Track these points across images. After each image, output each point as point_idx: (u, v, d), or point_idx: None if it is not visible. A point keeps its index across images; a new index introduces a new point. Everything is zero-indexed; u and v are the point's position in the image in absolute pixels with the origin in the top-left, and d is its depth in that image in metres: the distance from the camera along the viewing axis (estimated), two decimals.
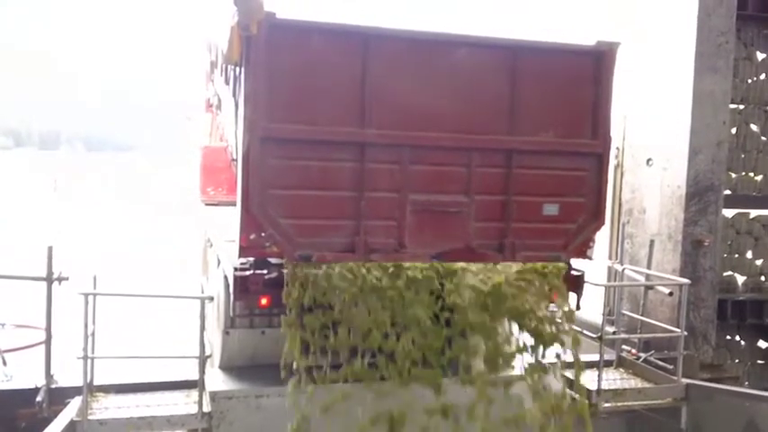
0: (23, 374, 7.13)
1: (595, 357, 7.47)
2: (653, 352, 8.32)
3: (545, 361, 7.72)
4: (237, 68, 6.37)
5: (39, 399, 6.66)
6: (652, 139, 9.40)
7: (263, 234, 6.03)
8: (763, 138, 9.97)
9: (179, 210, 22.30)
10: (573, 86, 6.76)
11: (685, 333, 7.75)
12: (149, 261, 15.65)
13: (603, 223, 7.15)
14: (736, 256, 9.92)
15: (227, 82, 7.28)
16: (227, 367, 7.50)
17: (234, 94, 6.69)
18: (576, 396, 7.43)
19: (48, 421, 6.08)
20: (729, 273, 9.90)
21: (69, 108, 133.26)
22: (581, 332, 8.30)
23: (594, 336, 7.73)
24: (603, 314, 8.06)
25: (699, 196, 8.92)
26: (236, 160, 6.54)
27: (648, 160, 9.40)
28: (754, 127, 9.94)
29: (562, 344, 7.12)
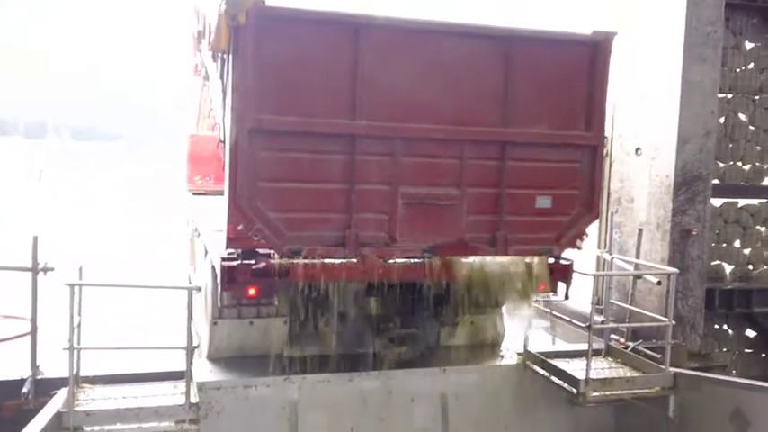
0: (9, 365, 7.06)
1: (584, 346, 7.48)
2: (641, 341, 8.33)
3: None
4: (226, 56, 6.30)
5: (24, 390, 6.61)
6: (641, 129, 9.40)
7: (251, 228, 5.98)
8: (752, 127, 9.96)
9: (169, 199, 22.17)
10: (567, 77, 6.72)
11: (673, 322, 7.76)
12: (138, 250, 15.56)
13: (598, 216, 7.16)
14: (724, 245, 9.93)
15: (214, 59, 7.19)
16: (215, 358, 7.49)
17: (222, 77, 6.62)
18: (564, 385, 7.48)
19: (34, 412, 6.02)
20: (717, 262, 9.91)
21: (57, 98, 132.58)
22: (569, 321, 8.35)
23: (583, 325, 7.75)
24: (592, 303, 8.05)
25: (687, 186, 8.93)
26: (224, 142, 6.48)
27: (637, 150, 9.40)
28: (742, 116, 9.93)
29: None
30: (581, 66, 6.73)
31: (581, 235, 6.98)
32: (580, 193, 6.87)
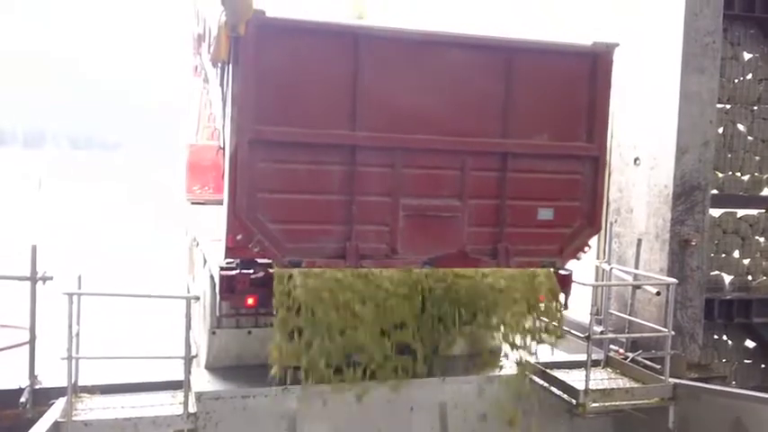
0: (7, 375, 7.04)
1: (583, 357, 7.47)
2: (640, 351, 8.32)
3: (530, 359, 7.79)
4: (226, 65, 6.30)
5: (23, 399, 6.59)
6: (639, 139, 9.41)
7: (251, 239, 5.96)
8: (750, 137, 9.98)
9: (168, 208, 22.19)
10: (569, 88, 6.69)
11: (673, 333, 7.76)
12: (137, 258, 15.57)
13: (600, 228, 7.12)
14: (723, 255, 9.93)
15: (214, 65, 7.20)
16: (213, 367, 7.47)
17: (221, 85, 6.61)
18: (563, 395, 7.47)
19: (32, 422, 6.01)
20: (716, 272, 9.91)
21: (55, 106, 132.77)
22: (569, 332, 8.33)
23: (582, 335, 7.73)
24: (591, 314, 8.05)
25: (686, 196, 8.93)
26: (224, 149, 6.47)
27: (636, 159, 9.41)
28: (740, 127, 9.95)
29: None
30: (582, 77, 6.70)
31: (583, 247, 6.95)
32: (582, 204, 6.83)
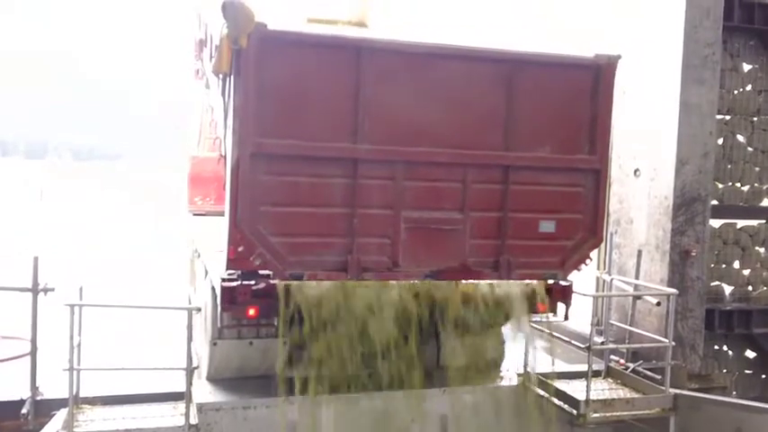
0: (8, 386, 7.05)
1: (584, 367, 7.48)
2: (641, 362, 8.33)
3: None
4: (228, 77, 6.31)
5: (24, 411, 6.60)
6: (639, 150, 9.43)
7: (253, 252, 5.96)
8: (750, 148, 10.00)
9: (168, 218, 22.19)
10: (571, 100, 6.68)
11: (673, 343, 7.77)
12: (137, 258, 15.62)
13: (602, 240, 7.10)
14: (724, 266, 9.93)
15: (216, 75, 7.22)
16: (215, 379, 7.47)
17: (223, 95, 6.62)
18: (564, 406, 7.46)
19: None
20: (717, 283, 9.91)
21: (56, 107, 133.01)
22: (569, 342, 8.35)
23: (583, 346, 7.74)
24: (592, 324, 8.06)
25: (686, 207, 8.95)
26: (225, 157, 6.48)
27: (636, 171, 9.43)
28: (740, 137, 9.97)
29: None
30: (584, 89, 6.69)
31: (585, 259, 6.94)
32: (584, 217, 6.82)
